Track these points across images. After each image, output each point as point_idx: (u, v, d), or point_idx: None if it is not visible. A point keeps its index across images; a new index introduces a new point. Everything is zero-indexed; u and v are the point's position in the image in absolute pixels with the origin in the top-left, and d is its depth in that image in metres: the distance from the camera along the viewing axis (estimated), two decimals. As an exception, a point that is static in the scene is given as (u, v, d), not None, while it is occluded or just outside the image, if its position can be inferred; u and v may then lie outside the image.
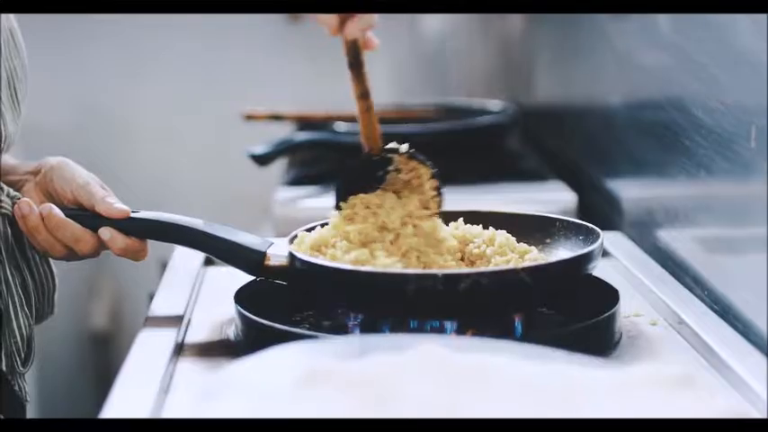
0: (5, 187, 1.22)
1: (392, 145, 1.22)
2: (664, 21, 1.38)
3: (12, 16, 1.26)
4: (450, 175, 1.95)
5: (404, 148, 1.22)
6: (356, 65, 1.19)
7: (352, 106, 2.16)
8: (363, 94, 1.21)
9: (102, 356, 3.02)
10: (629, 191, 1.62)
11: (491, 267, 1.13)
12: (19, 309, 1.22)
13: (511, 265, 1.14)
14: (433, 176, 1.22)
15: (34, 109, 2.92)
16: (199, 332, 1.18)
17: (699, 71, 1.26)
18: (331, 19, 1.16)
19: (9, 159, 1.28)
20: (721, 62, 1.20)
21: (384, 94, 2.84)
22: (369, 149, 1.22)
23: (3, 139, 1.21)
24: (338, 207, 1.20)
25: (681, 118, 1.32)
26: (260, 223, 2.13)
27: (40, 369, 2.83)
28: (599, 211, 1.75)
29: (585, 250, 1.12)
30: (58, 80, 2.96)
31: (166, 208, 1.27)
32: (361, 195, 1.20)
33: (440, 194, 1.22)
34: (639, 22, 1.50)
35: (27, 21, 2.96)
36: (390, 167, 1.22)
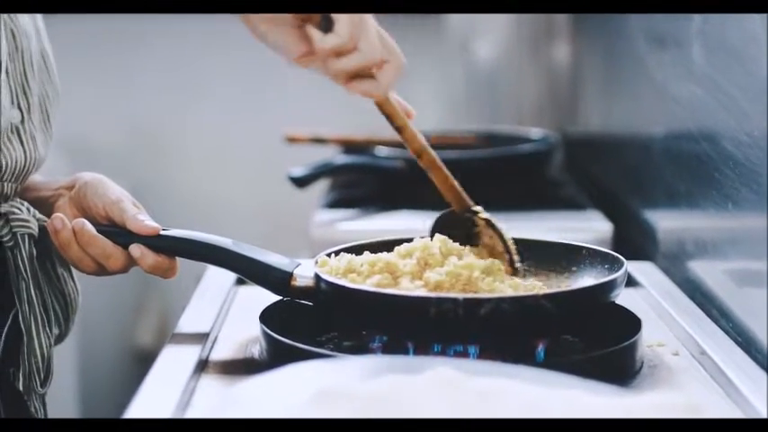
0: (32, 208, 1.25)
1: (475, 207, 1.23)
2: (697, 52, 1.39)
3: (45, 38, 1.29)
4: (488, 202, 1.97)
5: (482, 213, 1.22)
6: (396, 129, 1.17)
7: (393, 133, 2.18)
8: (417, 153, 1.19)
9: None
10: (663, 221, 1.62)
11: (512, 293, 1.13)
12: (41, 329, 1.24)
13: (532, 291, 1.14)
14: (508, 250, 1.21)
15: (83, 128, 2.99)
16: (224, 350, 1.19)
17: (729, 103, 1.26)
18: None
19: (37, 177, 1.31)
20: (749, 95, 1.20)
21: (434, 121, 2.86)
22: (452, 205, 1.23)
23: (33, 161, 1.24)
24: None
25: (711, 150, 1.32)
26: (299, 245, 2.15)
27: (84, 386, 2.86)
28: (634, 240, 1.75)
29: (606, 279, 1.13)
30: (106, 101, 3.01)
31: (205, 227, 1.29)
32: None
33: (515, 270, 1.21)
34: (675, 53, 1.51)
35: (77, 41, 3.01)
36: (475, 228, 1.23)
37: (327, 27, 1.08)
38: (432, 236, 1.22)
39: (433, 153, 1.20)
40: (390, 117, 1.16)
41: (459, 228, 1.23)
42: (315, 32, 1.09)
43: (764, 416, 0.97)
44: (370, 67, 1.11)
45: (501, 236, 1.21)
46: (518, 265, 1.21)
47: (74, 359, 2.77)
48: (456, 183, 1.22)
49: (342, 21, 1.08)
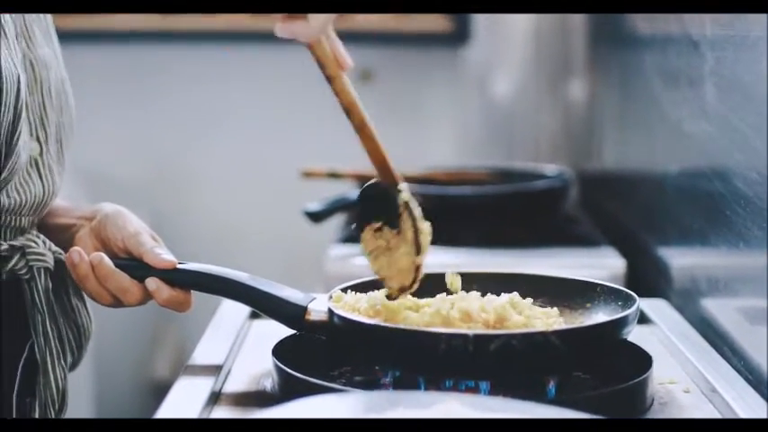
0: (47, 241, 1.26)
1: (400, 185, 1.16)
2: (710, 91, 1.40)
3: (62, 66, 1.30)
4: (502, 238, 1.99)
5: (404, 194, 1.15)
6: (326, 78, 1.09)
7: (409, 167, 2.19)
8: (346, 109, 1.11)
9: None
10: (676, 259, 1.62)
11: (522, 329, 1.14)
12: (56, 360, 1.25)
13: (541, 328, 1.15)
14: (416, 241, 1.15)
15: (101, 160, 3.01)
16: (236, 382, 1.20)
17: (740, 142, 1.27)
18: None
19: (60, 202, 1.32)
20: (761, 133, 1.21)
21: (450, 156, 2.88)
22: (379, 177, 1.16)
23: (51, 193, 1.26)
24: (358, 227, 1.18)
25: (723, 188, 1.33)
26: (314, 279, 2.17)
27: (101, 417, 2.87)
28: (647, 277, 1.76)
29: (617, 316, 1.13)
30: (125, 134, 3.04)
31: (221, 260, 1.30)
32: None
33: (418, 249, 1.14)
34: (688, 91, 1.52)
35: (97, 74, 3.03)
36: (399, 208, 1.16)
37: None
38: (359, 205, 1.18)
39: (364, 113, 1.11)
40: (321, 63, 1.08)
41: (385, 202, 1.16)
42: None
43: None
44: None
45: (414, 223, 1.14)
46: (422, 258, 1.14)
47: (91, 391, 2.78)
48: (386, 153, 1.14)
49: None
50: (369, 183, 1.18)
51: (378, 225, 1.18)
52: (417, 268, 1.15)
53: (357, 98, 1.11)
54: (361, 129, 1.13)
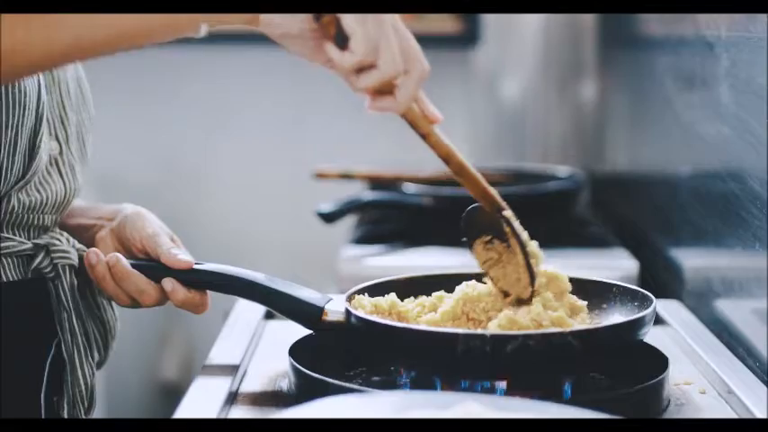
0: (71, 239, 1.27)
1: (506, 212, 1.20)
2: (724, 92, 1.40)
3: (80, 66, 1.30)
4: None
5: (506, 213, 1.20)
6: (420, 136, 1.14)
7: (420, 168, 2.20)
8: (444, 159, 1.16)
9: (173, 408, 3.05)
10: (689, 260, 1.63)
11: (539, 330, 1.14)
12: (84, 358, 1.25)
13: (559, 329, 1.15)
14: (524, 252, 1.19)
15: (113, 162, 3.01)
16: (253, 382, 1.21)
17: (756, 143, 1.27)
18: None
19: (78, 202, 1.32)
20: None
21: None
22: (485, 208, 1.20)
23: (73, 191, 1.26)
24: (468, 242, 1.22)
25: (738, 189, 1.33)
26: (326, 280, 2.17)
27: (109, 416, 2.87)
28: (660, 279, 1.76)
29: (634, 317, 1.14)
30: (136, 136, 3.04)
31: (234, 261, 1.30)
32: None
33: (531, 274, 1.18)
34: (702, 92, 1.52)
35: (108, 76, 3.03)
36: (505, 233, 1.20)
37: (343, 41, 1.05)
38: (463, 230, 1.22)
39: (461, 157, 1.16)
40: (413, 125, 1.13)
41: (490, 224, 1.20)
42: (332, 50, 1.06)
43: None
44: (390, 81, 1.08)
45: (523, 248, 1.19)
46: (535, 282, 1.18)
47: (100, 391, 2.78)
48: (487, 185, 1.19)
49: (357, 37, 1.04)
50: (472, 206, 1.22)
51: (488, 238, 1.22)
52: (532, 285, 1.18)
53: (452, 147, 1.15)
54: (461, 173, 1.17)
